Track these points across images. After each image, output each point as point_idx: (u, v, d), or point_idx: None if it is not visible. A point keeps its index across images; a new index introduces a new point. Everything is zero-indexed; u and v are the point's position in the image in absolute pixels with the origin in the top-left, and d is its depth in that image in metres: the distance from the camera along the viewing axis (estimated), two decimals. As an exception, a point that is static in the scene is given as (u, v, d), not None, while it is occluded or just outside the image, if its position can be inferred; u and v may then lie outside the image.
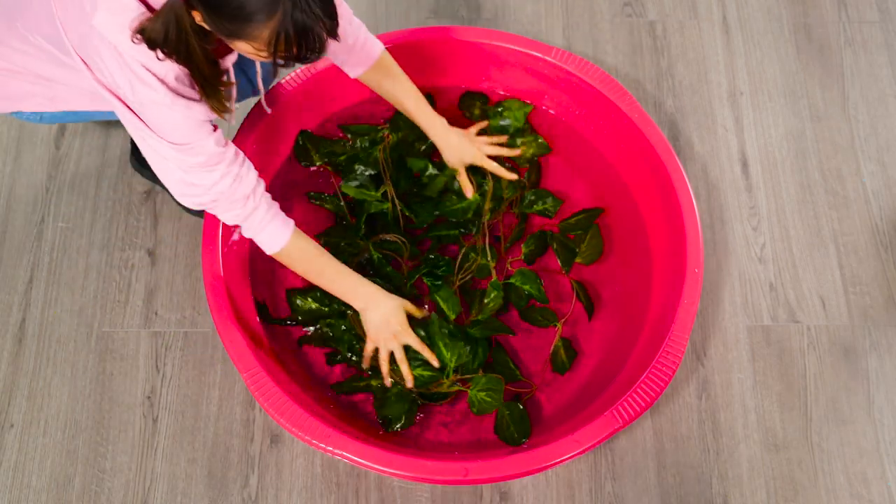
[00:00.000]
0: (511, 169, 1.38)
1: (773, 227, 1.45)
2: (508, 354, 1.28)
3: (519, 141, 1.41)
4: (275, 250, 1.12)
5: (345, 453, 1.07)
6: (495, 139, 1.39)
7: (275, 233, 1.11)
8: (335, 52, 1.20)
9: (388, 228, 1.33)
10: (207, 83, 0.96)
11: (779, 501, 1.25)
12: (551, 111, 1.44)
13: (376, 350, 1.21)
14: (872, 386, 1.34)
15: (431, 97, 1.39)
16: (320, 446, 1.08)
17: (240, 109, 1.42)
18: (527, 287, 1.30)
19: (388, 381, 1.20)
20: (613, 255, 1.37)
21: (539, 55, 1.37)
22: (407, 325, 1.19)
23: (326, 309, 1.27)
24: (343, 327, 1.25)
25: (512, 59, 1.40)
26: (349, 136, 1.40)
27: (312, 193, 1.37)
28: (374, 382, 1.22)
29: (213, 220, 1.22)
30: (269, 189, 1.19)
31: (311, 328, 1.28)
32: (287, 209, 1.32)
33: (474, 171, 1.36)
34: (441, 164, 1.37)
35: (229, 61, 1.02)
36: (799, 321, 1.38)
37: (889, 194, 1.48)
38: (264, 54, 0.89)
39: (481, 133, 1.40)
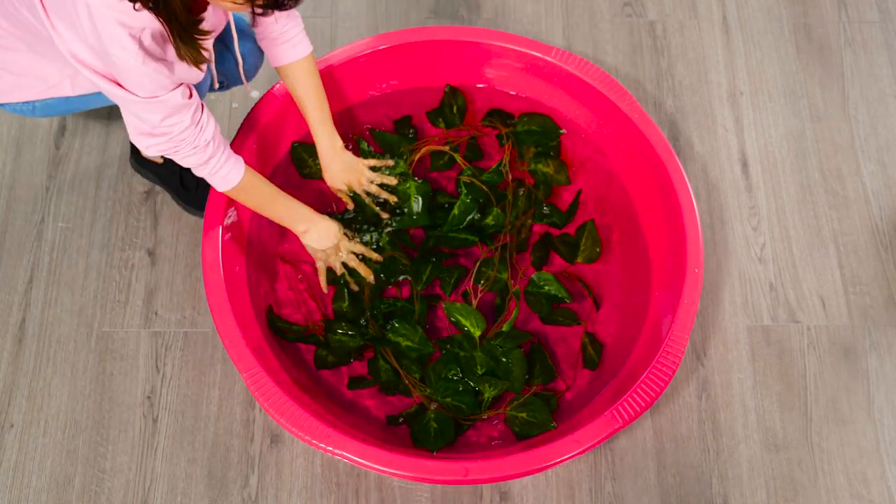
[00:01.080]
0: (522, 184, 1.39)
1: (773, 227, 1.45)
2: (545, 349, 1.29)
3: (535, 163, 1.40)
4: (229, 187, 1.15)
5: (345, 453, 1.07)
6: (382, 179, 1.34)
7: (230, 172, 1.13)
8: (262, 34, 1.19)
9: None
10: (185, 32, 0.95)
11: (779, 501, 1.25)
12: (551, 110, 1.44)
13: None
14: (872, 386, 1.33)
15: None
16: (320, 446, 1.08)
17: (237, 116, 1.42)
18: (546, 288, 1.30)
19: (354, 287, 1.29)
20: (613, 256, 1.37)
21: (539, 55, 1.37)
22: (344, 237, 1.28)
23: (355, 344, 1.27)
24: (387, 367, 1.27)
25: (511, 59, 1.40)
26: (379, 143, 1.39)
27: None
28: (431, 415, 1.22)
29: (213, 219, 1.22)
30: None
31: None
32: (282, 241, 1.33)
33: (494, 191, 1.36)
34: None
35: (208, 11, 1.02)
36: (799, 321, 1.38)
37: (889, 194, 1.48)
38: (242, 2, 0.88)
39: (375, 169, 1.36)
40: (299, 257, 1.34)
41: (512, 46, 1.38)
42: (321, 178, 1.33)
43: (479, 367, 1.22)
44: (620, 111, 1.34)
